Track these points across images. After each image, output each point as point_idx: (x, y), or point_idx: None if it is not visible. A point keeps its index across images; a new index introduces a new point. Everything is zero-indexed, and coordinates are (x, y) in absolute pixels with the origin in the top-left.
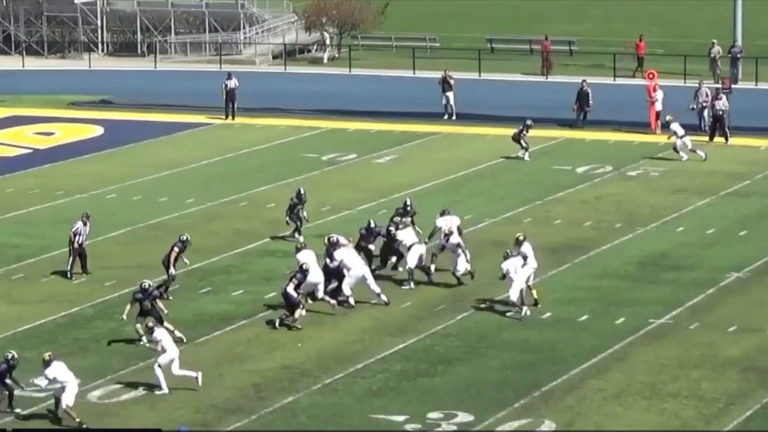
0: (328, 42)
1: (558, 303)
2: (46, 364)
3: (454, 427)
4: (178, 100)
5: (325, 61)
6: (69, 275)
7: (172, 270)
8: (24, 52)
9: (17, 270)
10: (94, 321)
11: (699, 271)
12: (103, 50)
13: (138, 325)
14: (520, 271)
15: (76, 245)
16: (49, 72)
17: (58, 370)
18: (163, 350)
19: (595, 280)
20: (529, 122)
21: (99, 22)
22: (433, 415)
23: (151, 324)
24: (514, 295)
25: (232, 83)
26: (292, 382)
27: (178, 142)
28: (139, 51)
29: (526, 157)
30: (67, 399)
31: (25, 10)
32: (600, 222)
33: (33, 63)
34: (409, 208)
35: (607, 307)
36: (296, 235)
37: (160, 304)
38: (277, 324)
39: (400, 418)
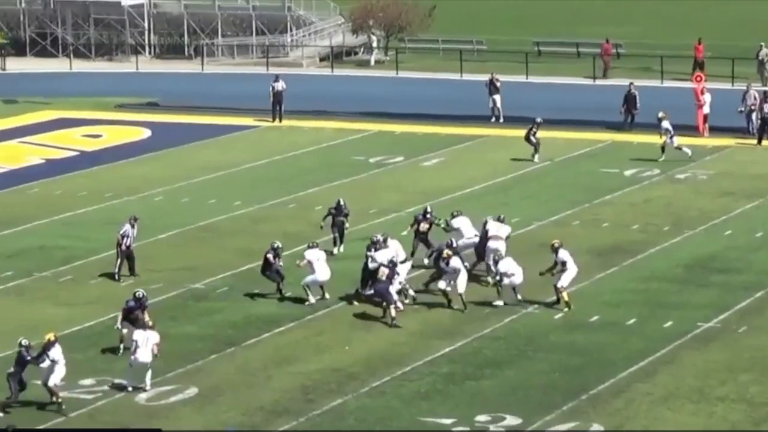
0: (375, 45)
1: (606, 306)
2: (51, 344)
3: (502, 430)
4: (225, 103)
5: (372, 63)
6: (117, 277)
7: (271, 273)
8: (71, 55)
9: (65, 272)
10: None
11: (747, 274)
12: (150, 53)
13: (125, 330)
14: (518, 270)
15: (123, 247)
16: (97, 74)
17: (58, 351)
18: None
19: (643, 283)
20: (539, 120)
21: (146, 25)
22: (481, 418)
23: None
24: (517, 285)
25: (280, 86)
26: (340, 385)
27: (225, 145)
28: (186, 53)
29: (536, 159)
30: (56, 379)
31: (72, 13)
32: (648, 225)
33: (80, 65)
34: (429, 216)
35: (654, 310)
36: (335, 250)
37: (146, 316)
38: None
39: (448, 421)
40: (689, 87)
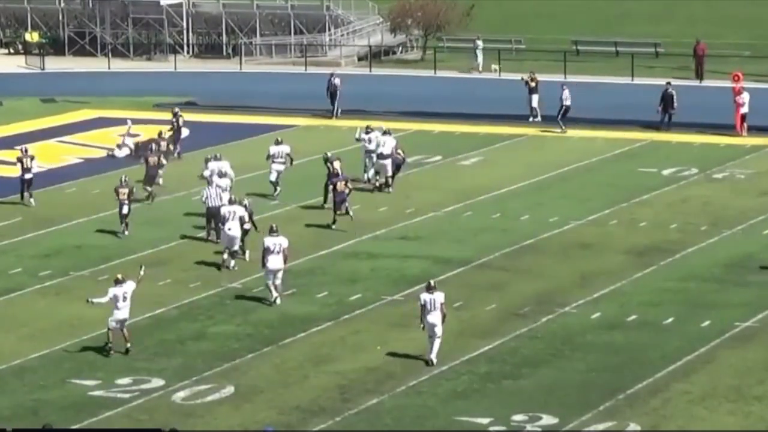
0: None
1: (643, 305)
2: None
3: (539, 430)
4: (263, 102)
5: (481, 69)
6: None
7: None
8: (110, 54)
9: (103, 271)
10: (178, 322)
11: None
12: (188, 52)
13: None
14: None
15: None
16: (135, 74)
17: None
18: None
19: (681, 282)
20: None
21: (184, 24)
22: (518, 417)
23: None
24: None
25: (336, 81)
26: (376, 384)
27: (262, 145)
28: (224, 53)
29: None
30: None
31: (110, 12)
32: (686, 224)
33: (118, 65)
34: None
35: (692, 309)
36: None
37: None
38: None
39: (485, 421)
40: (727, 86)
